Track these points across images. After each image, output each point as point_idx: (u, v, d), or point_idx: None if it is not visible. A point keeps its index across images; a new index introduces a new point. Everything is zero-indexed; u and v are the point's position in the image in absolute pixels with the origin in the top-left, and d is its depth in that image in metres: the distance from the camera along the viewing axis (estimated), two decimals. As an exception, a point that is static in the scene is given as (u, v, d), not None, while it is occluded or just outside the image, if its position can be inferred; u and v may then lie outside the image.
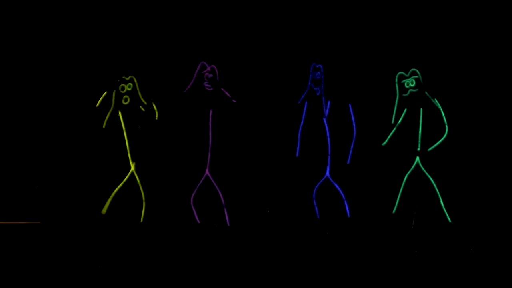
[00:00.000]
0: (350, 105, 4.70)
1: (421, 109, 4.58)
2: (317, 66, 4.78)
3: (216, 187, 4.70)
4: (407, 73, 4.66)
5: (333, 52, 4.83)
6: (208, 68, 4.88)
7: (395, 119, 4.63)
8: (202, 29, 4.99)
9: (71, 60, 4.92)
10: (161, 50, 4.94)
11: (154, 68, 4.89)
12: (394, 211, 4.50)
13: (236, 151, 4.79)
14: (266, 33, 4.94)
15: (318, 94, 4.74)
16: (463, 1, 4.67)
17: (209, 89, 4.85)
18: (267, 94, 4.84)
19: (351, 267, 4.14)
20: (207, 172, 4.73)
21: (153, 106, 4.73)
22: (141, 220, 4.62)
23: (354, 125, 4.67)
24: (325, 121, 4.69)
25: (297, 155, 4.71)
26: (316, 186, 4.64)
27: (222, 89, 4.84)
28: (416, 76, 4.62)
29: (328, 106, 4.72)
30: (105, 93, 4.75)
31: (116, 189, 4.68)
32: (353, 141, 4.65)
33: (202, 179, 4.73)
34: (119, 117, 4.69)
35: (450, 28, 4.68)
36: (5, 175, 4.79)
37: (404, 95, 4.64)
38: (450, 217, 4.38)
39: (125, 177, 4.70)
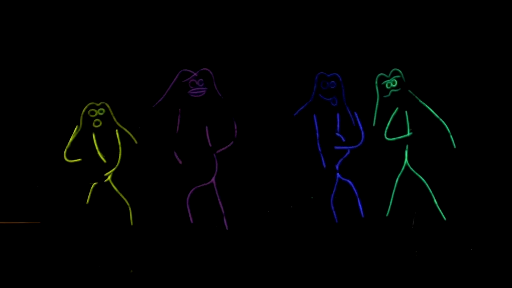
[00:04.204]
0: (356, 114, 4.65)
1: (405, 111, 4.60)
2: (329, 75, 4.68)
3: (218, 196, 4.57)
4: (387, 74, 4.67)
5: (341, 60, 4.79)
6: (195, 74, 4.71)
7: (376, 121, 4.63)
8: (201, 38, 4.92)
9: (63, 63, 4.93)
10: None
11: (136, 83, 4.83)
12: (387, 214, 4.52)
13: (239, 159, 4.67)
14: (270, 40, 4.87)
15: (335, 104, 4.64)
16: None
17: (197, 96, 4.68)
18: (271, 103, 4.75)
19: (353, 267, 4.19)
20: (213, 180, 4.60)
21: (126, 132, 4.70)
22: (131, 223, 4.59)
23: (362, 133, 4.62)
24: (340, 136, 4.61)
25: (324, 167, 4.58)
26: (333, 193, 4.56)
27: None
28: (398, 76, 4.63)
29: (350, 117, 4.63)
30: (76, 128, 4.70)
31: (93, 186, 4.63)
32: (358, 145, 4.61)
33: (205, 184, 4.60)
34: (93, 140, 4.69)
35: (438, 29, 4.77)
36: (5, 175, 4.76)
37: (385, 96, 4.65)
38: (444, 215, 4.45)
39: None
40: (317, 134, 4.62)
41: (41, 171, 4.71)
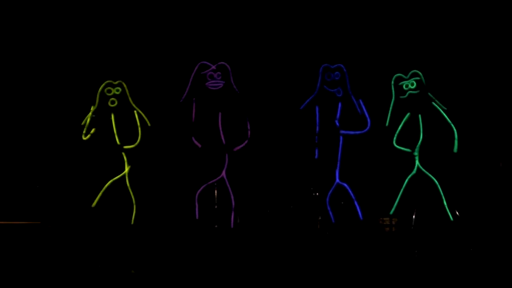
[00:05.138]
0: (361, 101, 4.63)
1: (420, 113, 4.53)
2: (333, 67, 4.69)
3: (230, 189, 4.57)
4: (406, 75, 4.60)
5: (345, 52, 4.83)
6: (213, 67, 4.76)
7: (390, 121, 4.57)
8: (206, 32, 4.99)
9: (65, 62, 4.98)
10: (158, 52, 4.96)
11: (155, 71, 4.92)
12: (391, 212, 4.48)
13: (250, 154, 4.70)
14: (277, 36, 4.94)
15: (340, 95, 4.64)
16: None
17: (215, 88, 4.74)
18: (278, 95, 4.84)
19: (353, 267, 4.11)
20: (223, 174, 4.60)
21: (141, 114, 4.69)
22: (132, 222, 4.59)
23: (368, 120, 4.59)
24: (337, 123, 4.60)
25: (316, 157, 4.60)
26: (329, 193, 4.55)
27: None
28: (417, 78, 4.56)
29: (356, 106, 4.62)
30: (90, 112, 4.68)
31: (107, 184, 4.61)
32: (365, 130, 4.59)
33: (216, 179, 4.61)
34: (111, 119, 4.68)
35: (456, 32, 4.72)
36: (5, 175, 4.79)
37: (401, 97, 4.58)
38: (452, 216, 4.37)
39: (123, 178, 4.69)
40: (317, 128, 4.63)
41: (41, 171, 4.74)
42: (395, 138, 4.54)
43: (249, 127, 4.66)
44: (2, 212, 4.70)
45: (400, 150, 4.52)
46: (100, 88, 4.72)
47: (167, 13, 4.98)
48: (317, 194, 4.62)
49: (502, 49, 4.59)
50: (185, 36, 4.95)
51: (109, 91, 4.73)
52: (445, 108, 4.49)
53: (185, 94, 4.75)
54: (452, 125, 4.46)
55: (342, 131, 4.57)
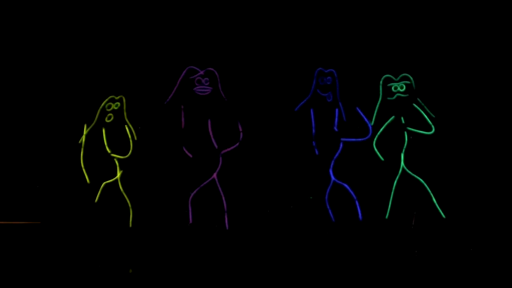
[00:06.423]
0: (358, 109, 4.70)
1: (406, 117, 4.59)
2: (327, 71, 4.78)
3: (221, 192, 4.61)
4: (396, 77, 4.70)
5: (339, 56, 4.88)
6: (201, 72, 4.79)
7: (375, 121, 4.65)
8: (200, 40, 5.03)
9: (69, 66, 5.02)
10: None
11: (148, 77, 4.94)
12: (386, 217, 4.51)
13: (241, 155, 4.72)
14: (270, 38, 5.00)
15: (330, 100, 4.70)
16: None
17: (202, 94, 4.75)
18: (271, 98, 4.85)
19: (353, 267, 4.19)
20: (214, 175, 4.64)
21: (131, 128, 4.73)
22: (130, 225, 4.61)
23: (369, 125, 4.65)
24: (336, 130, 4.66)
25: (317, 153, 4.64)
26: (327, 191, 4.60)
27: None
28: (407, 82, 4.65)
29: (342, 112, 4.67)
30: (85, 131, 4.75)
31: (104, 183, 4.67)
32: (367, 137, 4.64)
33: (207, 181, 4.63)
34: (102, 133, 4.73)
35: (450, 38, 4.82)
36: (5, 175, 4.79)
37: (389, 98, 4.65)
38: (443, 213, 4.45)
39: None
40: (313, 131, 4.67)
41: (41, 171, 4.74)
42: (375, 139, 4.60)
43: (241, 129, 4.70)
44: (2, 212, 4.69)
45: (376, 154, 4.58)
46: (102, 104, 4.79)
47: (154, 19, 5.07)
48: (313, 195, 4.68)
49: (494, 57, 4.74)
50: (173, 42, 5.00)
51: (109, 106, 4.77)
52: (433, 116, 4.57)
53: (170, 96, 4.76)
54: (432, 127, 4.56)
55: (343, 139, 4.64)
